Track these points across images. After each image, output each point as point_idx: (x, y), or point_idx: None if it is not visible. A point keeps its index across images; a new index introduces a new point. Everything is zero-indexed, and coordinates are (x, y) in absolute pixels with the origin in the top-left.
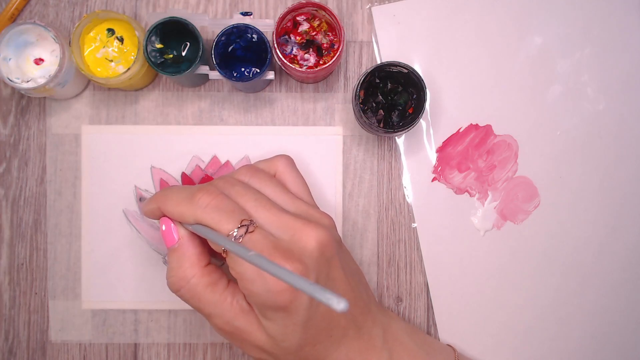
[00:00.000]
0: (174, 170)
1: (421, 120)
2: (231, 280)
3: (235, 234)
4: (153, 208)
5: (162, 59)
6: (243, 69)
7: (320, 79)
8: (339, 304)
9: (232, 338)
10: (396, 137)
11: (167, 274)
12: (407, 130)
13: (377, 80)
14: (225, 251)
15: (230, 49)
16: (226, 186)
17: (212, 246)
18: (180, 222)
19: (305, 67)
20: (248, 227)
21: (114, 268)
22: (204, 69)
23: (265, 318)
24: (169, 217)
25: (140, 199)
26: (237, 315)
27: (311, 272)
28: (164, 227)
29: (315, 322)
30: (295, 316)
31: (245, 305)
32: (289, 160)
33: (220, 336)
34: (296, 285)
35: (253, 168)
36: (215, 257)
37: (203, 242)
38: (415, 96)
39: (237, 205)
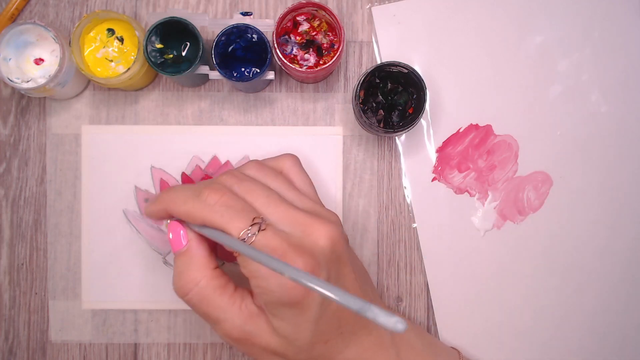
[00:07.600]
0: (174, 170)
1: (421, 120)
2: (238, 285)
3: (248, 232)
4: (158, 209)
5: (162, 59)
6: (243, 69)
7: (320, 79)
8: (395, 325)
9: (239, 344)
10: (396, 137)
11: (174, 278)
12: (407, 130)
13: (377, 80)
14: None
15: (230, 49)
16: (234, 182)
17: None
18: (187, 223)
19: (305, 67)
20: (260, 225)
21: (114, 268)
22: (204, 69)
23: (276, 318)
24: (175, 219)
25: (146, 200)
26: (247, 320)
27: (322, 268)
28: (171, 233)
29: (326, 319)
30: (308, 312)
31: (255, 309)
32: (295, 159)
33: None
34: (317, 288)
35: (260, 163)
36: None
37: (211, 245)
38: (415, 96)
39: (246, 203)
